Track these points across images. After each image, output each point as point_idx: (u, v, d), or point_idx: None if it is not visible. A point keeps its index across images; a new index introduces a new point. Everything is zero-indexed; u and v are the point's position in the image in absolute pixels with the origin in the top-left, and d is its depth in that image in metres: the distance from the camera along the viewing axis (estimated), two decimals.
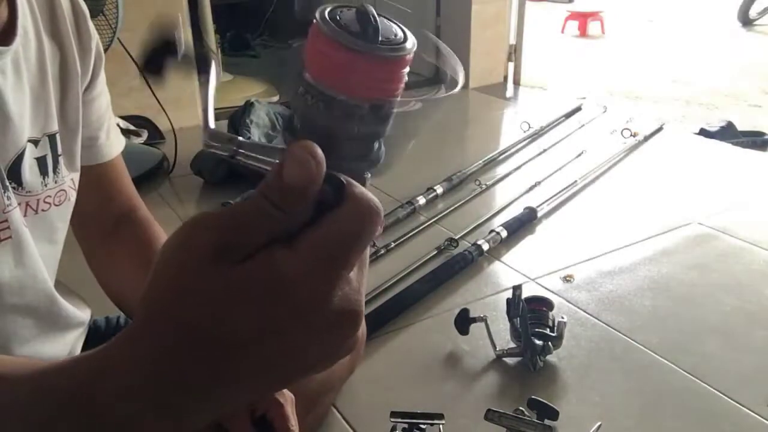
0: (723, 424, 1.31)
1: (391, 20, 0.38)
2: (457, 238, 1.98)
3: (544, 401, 1.25)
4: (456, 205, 2.24)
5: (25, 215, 0.73)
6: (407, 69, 0.37)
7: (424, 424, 1.20)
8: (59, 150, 0.77)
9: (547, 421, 1.21)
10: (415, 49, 0.37)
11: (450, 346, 1.55)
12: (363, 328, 0.39)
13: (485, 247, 1.92)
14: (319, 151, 0.33)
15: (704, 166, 2.68)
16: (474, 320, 1.52)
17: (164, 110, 2.65)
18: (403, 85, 0.38)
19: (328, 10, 0.37)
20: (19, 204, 0.72)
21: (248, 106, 2.61)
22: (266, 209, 0.31)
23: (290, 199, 0.32)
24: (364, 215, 0.33)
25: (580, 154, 2.57)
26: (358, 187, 0.34)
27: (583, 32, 5.72)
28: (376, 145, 0.40)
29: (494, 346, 1.50)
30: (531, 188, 2.32)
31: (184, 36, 0.43)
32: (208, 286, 0.31)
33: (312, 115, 0.37)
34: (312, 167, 0.32)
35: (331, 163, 0.35)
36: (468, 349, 1.53)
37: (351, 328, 0.34)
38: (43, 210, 0.76)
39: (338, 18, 0.36)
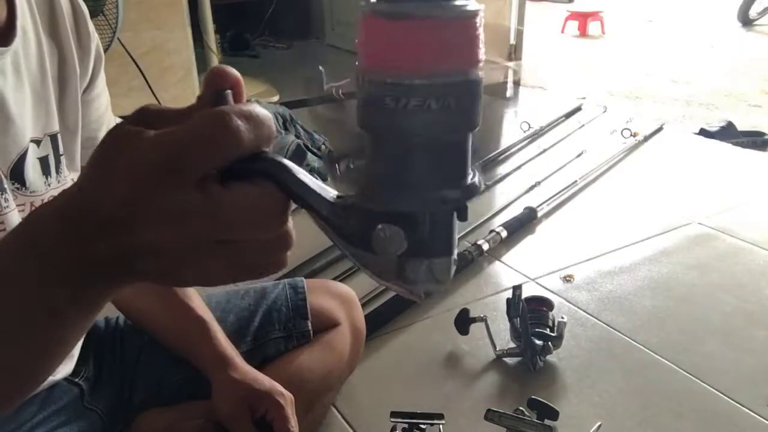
0: (723, 424, 1.31)
1: None
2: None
3: (544, 401, 1.25)
4: None
5: None
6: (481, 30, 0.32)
7: (424, 424, 1.20)
8: (61, 150, 0.77)
9: (547, 421, 1.21)
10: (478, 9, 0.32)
11: (450, 346, 1.55)
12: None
13: (485, 247, 1.92)
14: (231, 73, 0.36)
15: (704, 166, 2.68)
16: (474, 320, 1.52)
17: None
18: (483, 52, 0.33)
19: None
20: (23, 204, 0.72)
21: None
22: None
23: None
24: (201, 125, 0.34)
25: (580, 154, 2.57)
26: (231, 106, 0.35)
27: (583, 32, 5.71)
28: (469, 162, 0.36)
29: (494, 346, 1.50)
30: (531, 188, 2.32)
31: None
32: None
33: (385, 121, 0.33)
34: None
35: (414, 194, 0.34)
36: (468, 349, 1.53)
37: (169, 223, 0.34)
38: None
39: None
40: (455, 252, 0.38)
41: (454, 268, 0.38)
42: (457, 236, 0.38)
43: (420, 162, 0.34)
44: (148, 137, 0.33)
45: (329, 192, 0.37)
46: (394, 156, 0.34)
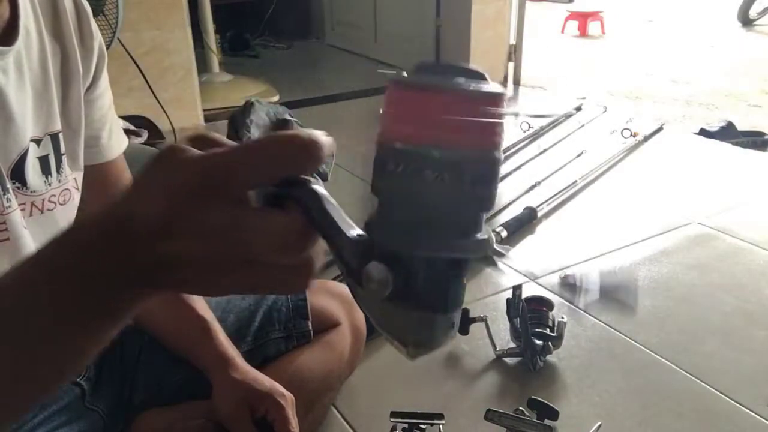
0: (723, 424, 1.31)
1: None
2: None
3: (544, 401, 1.25)
4: None
5: (30, 215, 0.73)
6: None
7: (424, 424, 1.20)
8: (62, 149, 0.77)
9: (547, 421, 1.21)
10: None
11: (450, 346, 1.55)
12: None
13: None
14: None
15: (704, 166, 2.69)
16: (474, 320, 1.52)
17: (164, 110, 2.65)
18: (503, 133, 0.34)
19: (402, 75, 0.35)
20: (24, 204, 0.72)
21: (248, 106, 2.61)
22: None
23: None
24: (247, 148, 0.35)
25: (580, 154, 2.57)
26: (294, 132, 0.36)
27: (583, 32, 5.71)
28: (482, 221, 0.36)
29: (494, 346, 1.50)
30: (531, 188, 2.32)
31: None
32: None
33: (410, 189, 0.34)
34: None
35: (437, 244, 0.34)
36: (468, 349, 1.53)
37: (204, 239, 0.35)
38: (48, 210, 0.76)
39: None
40: (451, 314, 0.37)
41: (449, 333, 0.37)
42: (459, 300, 0.37)
43: (421, 224, 0.35)
44: (193, 154, 0.35)
45: (353, 229, 0.37)
46: (397, 215, 0.35)
